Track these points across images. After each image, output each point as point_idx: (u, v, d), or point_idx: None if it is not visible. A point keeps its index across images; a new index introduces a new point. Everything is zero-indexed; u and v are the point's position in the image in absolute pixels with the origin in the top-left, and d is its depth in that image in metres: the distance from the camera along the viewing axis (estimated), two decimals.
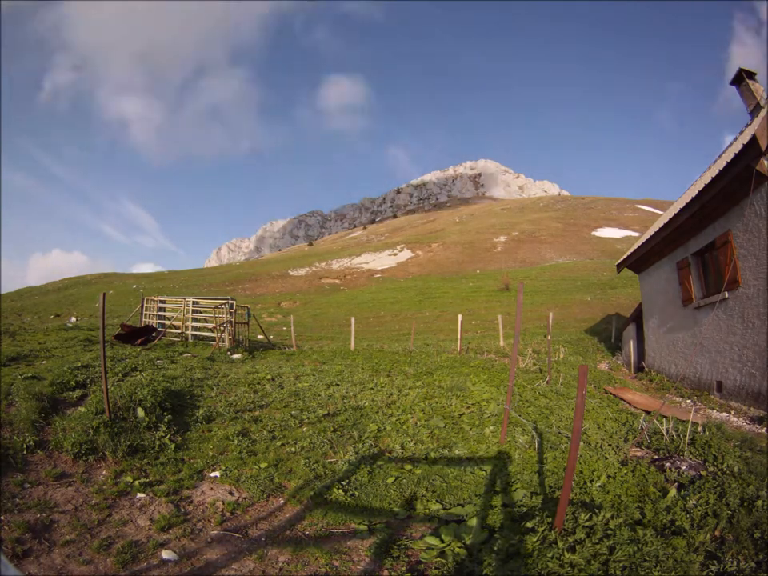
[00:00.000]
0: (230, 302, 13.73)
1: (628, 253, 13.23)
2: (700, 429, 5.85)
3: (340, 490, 4.45)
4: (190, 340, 13.75)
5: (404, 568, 3.30)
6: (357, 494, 4.43)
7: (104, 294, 6.14)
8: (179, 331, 14.16)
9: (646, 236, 11.99)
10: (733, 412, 7.56)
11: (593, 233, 75.85)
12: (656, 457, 5.20)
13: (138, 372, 8.11)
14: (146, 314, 15.43)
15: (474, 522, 3.63)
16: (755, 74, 8.86)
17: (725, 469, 4.51)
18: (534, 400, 7.81)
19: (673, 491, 4.07)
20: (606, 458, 5.00)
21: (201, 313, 14.87)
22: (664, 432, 5.66)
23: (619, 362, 14.07)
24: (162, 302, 15.49)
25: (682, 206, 9.22)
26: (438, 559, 3.25)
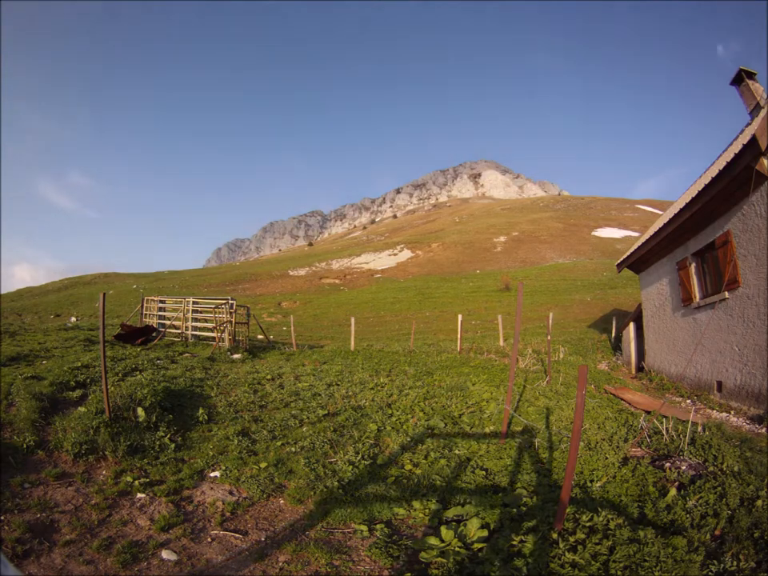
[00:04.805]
0: (230, 302, 13.73)
1: (628, 253, 13.22)
2: (700, 429, 5.85)
3: (340, 490, 4.45)
4: (190, 340, 13.75)
5: (404, 568, 3.30)
6: (357, 493, 4.42)
7: (104, 294, 6.14)
8: (179, 331, 14.16)
9: (646, 236, 11.99)
10: (733, 412, 7.56)
11: (593, 233, 75.88)
12: (656, 457, 5.20)
13: (138, 372, 8.10)
14: (146, 314, 15.42)
15: (474, 521, 3.62)
16: (755, 74, 8.86)
17: (725, 469, 4.51)
18: (534, 400, 7.81)
19: (673, 491, 4.07)
20: (606, 458, 5.00)
21: (201, 313, 14.86)
22: (664, 432, 5.66)
23: (619, 362, 14.06)
24: (162, 301, 15.49)
25: (682, 206, 9.22)
26: (439, 559, 3.24)
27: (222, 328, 13.00)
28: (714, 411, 7.83)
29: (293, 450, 5.48)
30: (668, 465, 4.78)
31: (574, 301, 31.18)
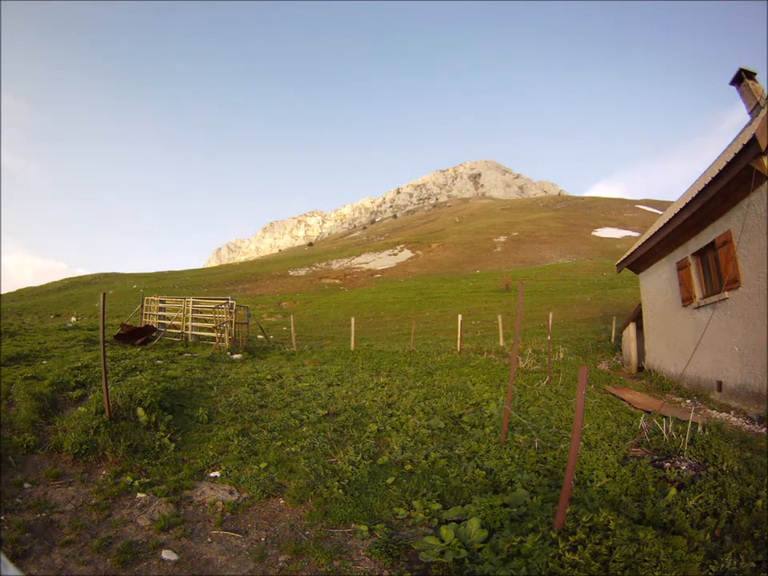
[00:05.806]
0: (230, 302, 13.73)
1: (628, 253, 13.23)
2: (700, 429, 5.85)
3: (340, 490, 4.45)
4: (190, 340, 13.75)
5: (404, 568, 3.30)
6: (357, 494, 4.42)
7: (104, 294, 6.14)
8: (179, 331, 14.17)
9: (646, 236, 11.99)
10: (733, 412, 7.56)
11: (593, 233, 75.92)
12: (656, 457, 5.20)
13: (138, 372, 8.11)
14: (146, 314, 15.42)
15: (474, 521, 3.62)
16: (755, 73, 8.87)
17: (725, 469, 4.51)
18: (534, 400, 7.82)
19: (673, 491, 4.07)
20: (606, 458, 5.00)
21: (201, 313, 14.87)
22: (664, 432, 5.66)
23: (619, 362, 14.07)
24: (162, 301, 15.49)
25: (681, 206, 9.23)
26: (439, 559, 3.24)
27: (221, 328, 13.01)
28: (714, 411, 7.83)
29: (293, 449, 5.48)
30: (668, 465, 4.78)
31: (574, 301, 31.18)
